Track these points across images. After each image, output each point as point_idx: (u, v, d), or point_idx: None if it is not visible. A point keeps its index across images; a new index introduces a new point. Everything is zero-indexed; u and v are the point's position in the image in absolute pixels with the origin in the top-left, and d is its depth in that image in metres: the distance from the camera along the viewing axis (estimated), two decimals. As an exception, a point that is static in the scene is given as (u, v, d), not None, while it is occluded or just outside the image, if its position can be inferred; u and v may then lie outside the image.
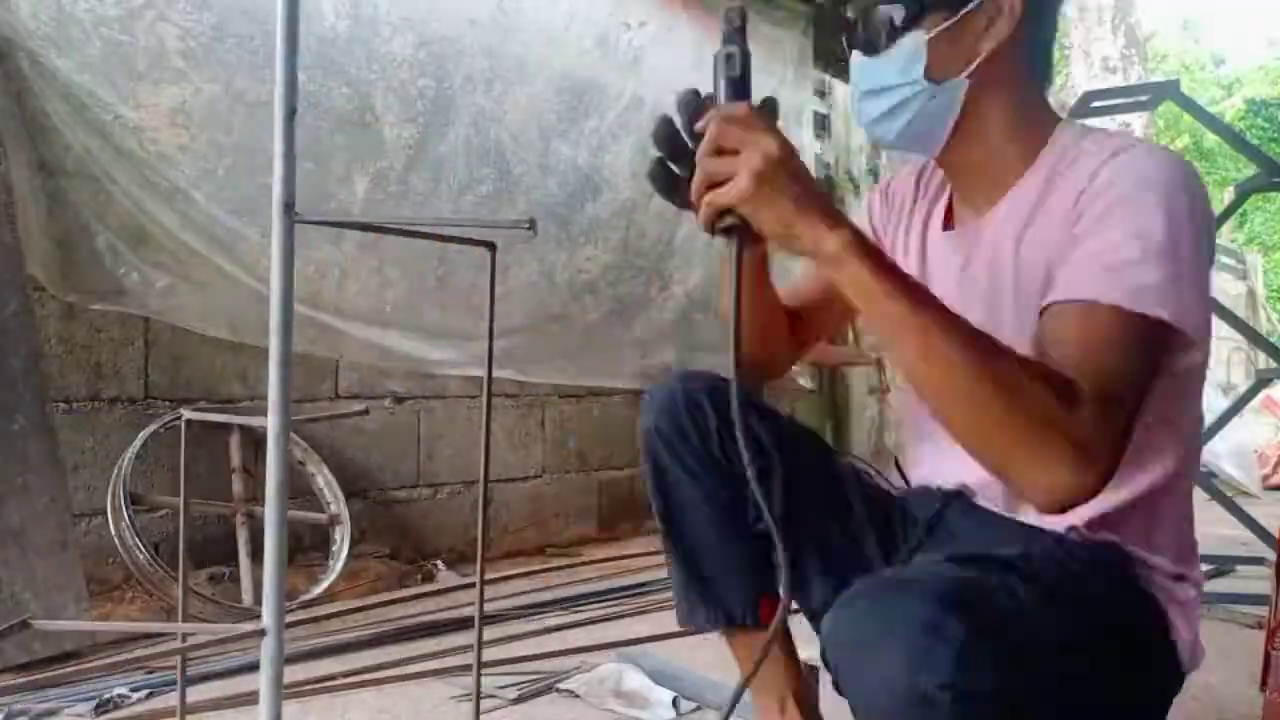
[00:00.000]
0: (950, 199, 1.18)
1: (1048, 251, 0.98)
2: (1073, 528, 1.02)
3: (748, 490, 1.13)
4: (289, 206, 0.85)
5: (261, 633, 0.82)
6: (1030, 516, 1.05)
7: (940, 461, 1.13)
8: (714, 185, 0.83)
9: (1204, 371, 1.04)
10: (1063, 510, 0.85)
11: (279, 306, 0.87)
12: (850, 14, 1.09)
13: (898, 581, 0.84)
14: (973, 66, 1.03)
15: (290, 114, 0.84)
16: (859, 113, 1.11)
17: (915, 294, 0.85)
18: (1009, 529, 1.06)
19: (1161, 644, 1.02)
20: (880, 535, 1.20)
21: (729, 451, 1.18)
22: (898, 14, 1.03)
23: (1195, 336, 0.92)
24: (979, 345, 0.83)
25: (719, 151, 0.83)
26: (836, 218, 0.85)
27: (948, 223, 1.17)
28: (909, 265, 1.17)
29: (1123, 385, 0.85)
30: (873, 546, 1.19)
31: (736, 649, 1.30)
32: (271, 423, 0.86)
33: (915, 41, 1.02)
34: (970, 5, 1.01)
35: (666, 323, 3.85)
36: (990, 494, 1.09)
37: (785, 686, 1.28)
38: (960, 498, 1.11)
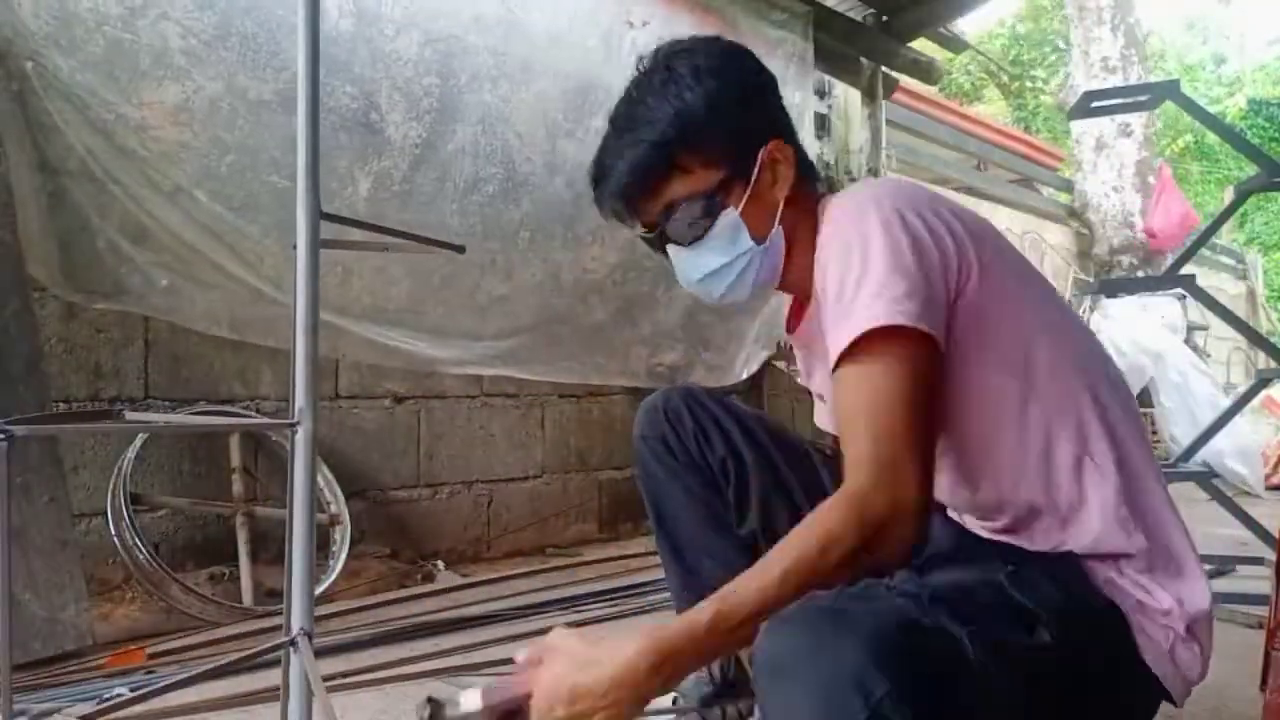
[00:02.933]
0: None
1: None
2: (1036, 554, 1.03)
3: (729, 490, 1.31)
4: (316, 226, 0.87)
5: (305, 634, 0.83)
6: (974, 526, 1.12)
7: None
8: None
9: (1057, 357, 1.03)
10: (917, 538, 0.90)
11: (304, 311, 0.88)
12: (630, 220, 1.17)
13: (835, 611, 0.80)
14: (780, 212, 1.13)
15: (314, 131, 0.86)
16: (703, 293, 1.18)
17: (718, 612, 0.86)
18: (979, 548, 1.09)
19: (1126, 667, 1.00)
20: None
21: (707, 454, 1.31)
22: (700, 205, 1.11)
23: (933, 331, 0.94)
24: (776, 580, 0.87)
25: None
26: (623, 655, 0.85)
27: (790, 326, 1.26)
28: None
29: (883, 416, 0.91)
30: None
31: None
32: (303, 428, 0.87)
33: (730, 219, 1.12)
34: (756, 169, 1.12)
35: (674, 322, 3.84)
36: (955, 504, 1.15)
37: None
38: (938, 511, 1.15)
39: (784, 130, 1.16)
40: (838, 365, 0.96)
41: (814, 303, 1.13)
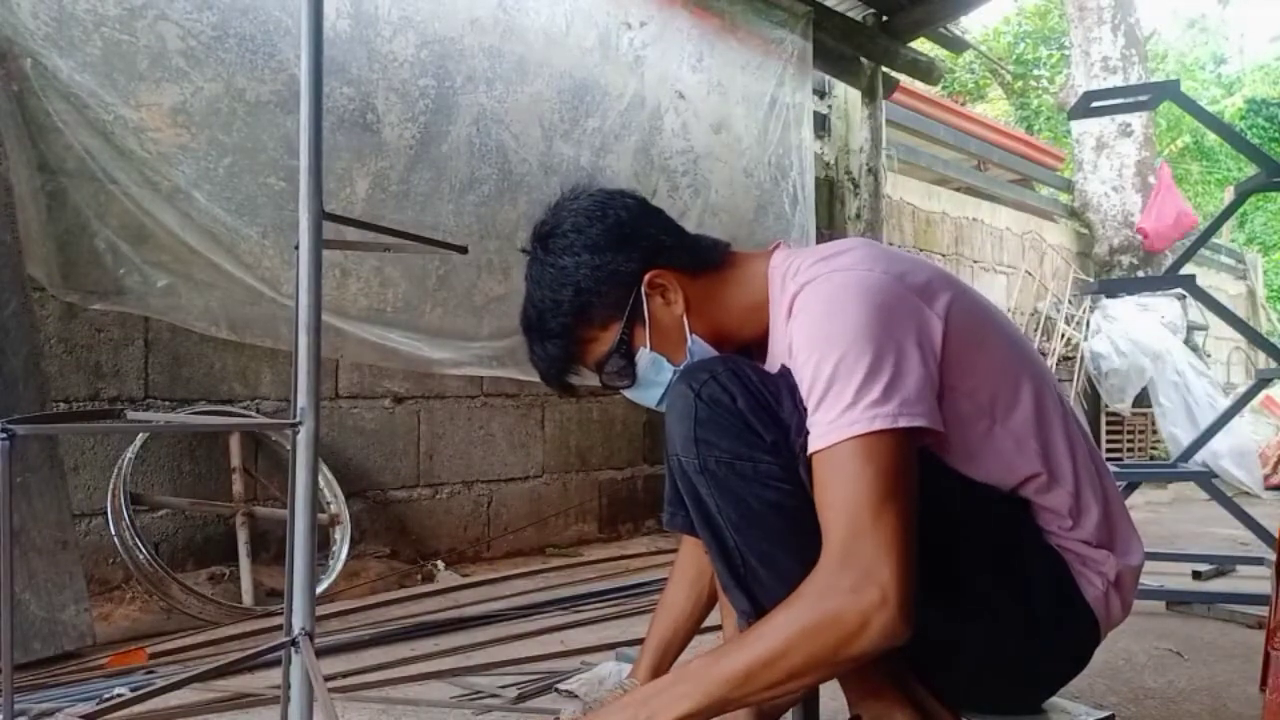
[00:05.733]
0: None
1: None
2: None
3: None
4: (319, 226, 0.86)
5: (306, 634, 0.83)
6: None
7: None
8: None
9: (1009, 399, 1.13)
10: (903, 630, 0.96)
11: (307, 310, 0.88)
12: (579, 389, 1.33)
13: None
14: (687, 324, 1.23)
15: (317, 132, 0.86)
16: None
17: (695, 682, 1.00)
18: None
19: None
20: None
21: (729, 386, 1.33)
22: (616, 358, 1.24)
23: (928, 424, 1.01)
24: (746, 657, 0.98)
25: None
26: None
27: None
28: None
29: (864, 514, 0.96)
30: None
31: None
32: (305, 428, 0.87)
33: (646, 358, 1.24)
34: (644, 307, 1.22)
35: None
36: None
37: None
38: None
39: (656, 251, 1.23)
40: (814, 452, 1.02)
41: (770, 356, 1.22)
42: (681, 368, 1.23)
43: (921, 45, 5.29)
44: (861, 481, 0.97)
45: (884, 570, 0.95)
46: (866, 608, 0.94)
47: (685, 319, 1.23)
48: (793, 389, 1.09)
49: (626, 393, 1.31)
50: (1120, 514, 1.22)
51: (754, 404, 1.11)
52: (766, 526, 1.11)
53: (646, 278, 1.22)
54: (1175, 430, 6.24)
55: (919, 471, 1.03)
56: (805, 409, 1.06)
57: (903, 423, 0.98)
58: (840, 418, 0.99)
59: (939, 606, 1.07)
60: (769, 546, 1.12)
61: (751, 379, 1.14)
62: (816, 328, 1.06)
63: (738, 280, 1.26)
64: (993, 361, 1.13)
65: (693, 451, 1.13)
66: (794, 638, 0.96)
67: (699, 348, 1.23)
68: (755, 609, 1.15)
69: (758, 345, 1.27)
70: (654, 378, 1.26)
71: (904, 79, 5.25)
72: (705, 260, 1.27)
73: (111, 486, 2.40)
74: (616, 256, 1.22)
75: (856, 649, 0.95)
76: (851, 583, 0.95)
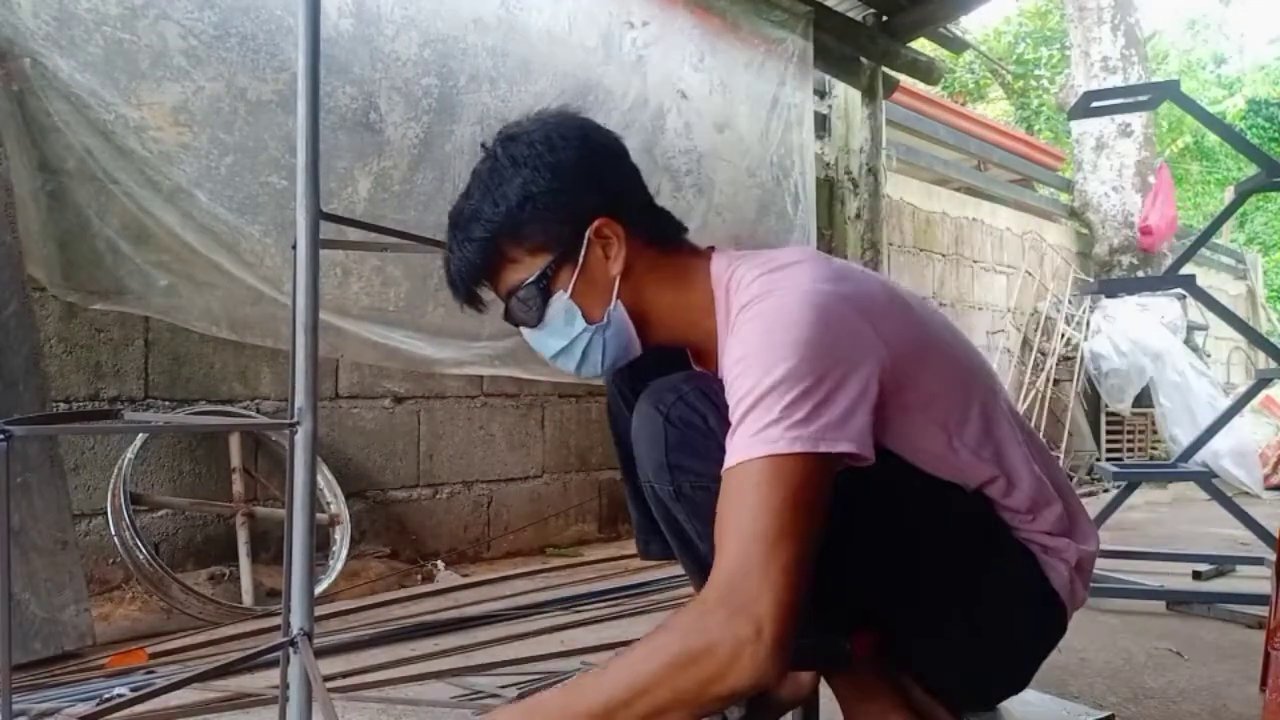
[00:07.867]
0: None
1: None
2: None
3: None
4: (316, 226, 0.86)
5: (305, 634, 0.83)
6: None
7: None
8: None
9: (956, 398, 1.12)
10: (772, 670, 0.88)
11: (304, 310, 0.88)
12: (482, 307, 1.24)
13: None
14: (617, 288, 1.15)
15: (314, 131, 0.85)
16: (564, 368, 1.23)
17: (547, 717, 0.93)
18: None
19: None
20: None
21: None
22: (532, 290, 1.15)
23: (854, 449, 0.95)
24: (607, 692, 0.90)
25: None
26: None
27: None
28: None
29: (759, 543, 0.90)
30: None
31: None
32: (303, 428, 0.87)
33: (561, 303, 1.16)
34: (582, 251, 1.13)
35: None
36: None
37: None
38: None
39: (618, 202, 1.16)
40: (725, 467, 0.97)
41: (720, 370, 1.14)
42: (593, 329, 1.17)
43: (921, 45, 5.29)
44: (765, 507, 0.90)
45: (763, 604, 0.88)
46: (741, 638, 0.87)
47: (617, 281, 1.16)
48: None
49: (525, 333, 1.22)
50: (1076, 506, 1.24)
51: (726, 423, 1.03)
52: None
53: (596, 222, 1.14)
54: (1176, 430, 6.24)
55: (887, 473, 1.02)
56: None
57: (823, 447, 0.92)
58: (759, 434, 0.93)
59: (918, 600, 1.07)
60: None
61: (720, 397, 1.06)
62: (755, 342, 0.99)
63: (679, 270, 1.19)
64: (939, 378, 1.11)
65: (666, 478, 1.09)
66: (659, 671, 0.89)
67: (618, 318, 1.17)
68: None
69: (687, 349, 1.25)
70: (561, 326, 1.18)
71: (904, 79, 5.24)
72: (660, 233, 1.20)
73: (111, 486, 2.40)
74: (576, 186, 1.14)
75: (726, 686, 0.88)
76: (728, 613, 0.88)
